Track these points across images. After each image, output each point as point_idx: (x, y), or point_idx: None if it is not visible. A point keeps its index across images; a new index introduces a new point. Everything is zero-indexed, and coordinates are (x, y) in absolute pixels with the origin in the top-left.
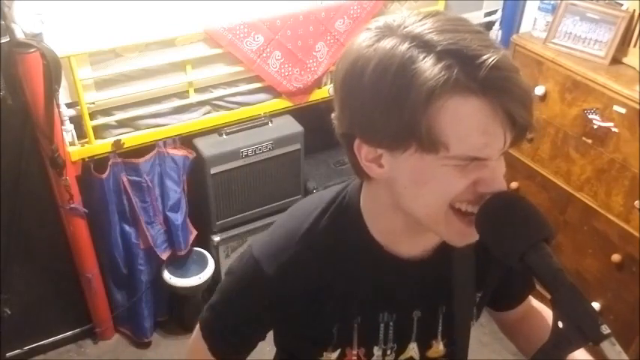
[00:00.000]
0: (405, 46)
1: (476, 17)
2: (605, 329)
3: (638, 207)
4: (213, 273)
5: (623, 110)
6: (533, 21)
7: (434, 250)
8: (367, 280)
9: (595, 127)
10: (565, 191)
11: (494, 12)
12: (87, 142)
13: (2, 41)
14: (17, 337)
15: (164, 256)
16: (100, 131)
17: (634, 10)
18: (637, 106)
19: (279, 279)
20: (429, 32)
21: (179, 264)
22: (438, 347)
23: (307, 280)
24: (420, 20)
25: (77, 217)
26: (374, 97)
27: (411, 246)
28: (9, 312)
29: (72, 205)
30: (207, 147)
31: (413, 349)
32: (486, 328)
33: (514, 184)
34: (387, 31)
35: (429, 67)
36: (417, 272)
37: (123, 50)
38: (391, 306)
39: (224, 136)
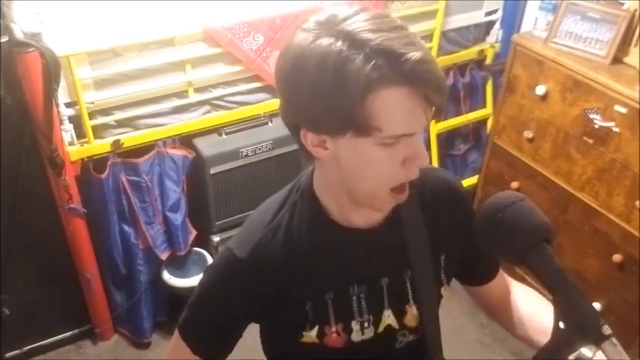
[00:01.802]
0: (339, 45)
1: (476, 17)
2: (606, 330)
3: (639, 207)
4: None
5: (624, 110)
6: (534, 20)
7: (385, 219)
8: (331, 255)
9: (596, 126)
10: (566, 191)
11: (494, 11)
12: (86, 142)
13: (1, 41)
14: (17, 338)
15: (163, 256)
16: (99, 131)
17: (635, 10)
18: (638, 106)
19: (251, 262)
20: (360, 31)
21: (179, 264)
22: (413, 312)
23: (277, 262)
24: (351, 18)
25: (76, 217)
26: (315, 93)
27: (364, 218)
28: (8, 312)
29: (71, 205)
30: (207, 147)
31: (389, 316)
32: (487, 328)
33: (515, 184)
34: (323, 29)
35: (361, 66)
36: (375, 241)
37: (122, 50)
38: (359, 277)
39: (224, 136)
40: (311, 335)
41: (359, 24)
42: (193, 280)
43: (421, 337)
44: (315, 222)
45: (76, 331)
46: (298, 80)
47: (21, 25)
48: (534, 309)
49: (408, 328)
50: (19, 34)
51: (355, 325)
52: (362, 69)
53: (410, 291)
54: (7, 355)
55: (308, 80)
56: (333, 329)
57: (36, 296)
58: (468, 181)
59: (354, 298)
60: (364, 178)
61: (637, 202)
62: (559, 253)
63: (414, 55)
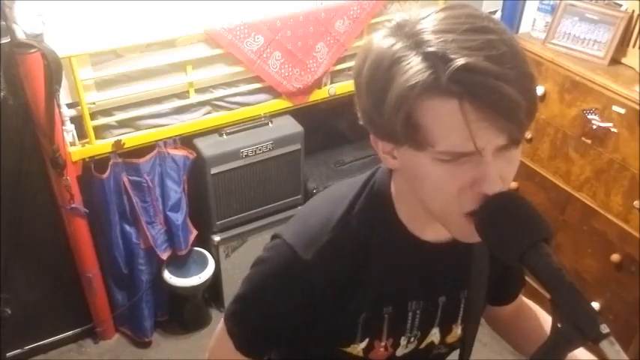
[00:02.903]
0: (399, 45)
1: None
2: (604, 329)
3: (637, 207)
4: (214, 273)
5: (622, 110)
6: (532, 21)
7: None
8: (398, 268)
9: (594, 127)
10: (564, 191)
11: (493, 12)
12: (87, 143)
13: (3, 42)
14: (17, 337)
15: (164, 256)
16: (100, 131)
17: (633, 11)
18: (636, 107)
19: (317, 265)
20: (424, 32)
21: (179, 264)
22: (457, 332)
23: (343, 266)
24: (426, 17)
25: (78, 217)
26: (368, 93)
27: (437, 232)
28: (9, 312)
29: (72, 205)
30: (208, 147)
31: (435, 334)
32: (486, 328)
33: (513, 184)
34: (395, 28)
35: (410, 67)
36: (443, 257)
37: (124, 51)
38: (420, 293)
39: (224, 136)
40: (357, 348)
41: (429, 22)
42: (194, 280)
43: (452, 350)
44: (388, 229)
45: (77, 330)
46: (359, 81)
47: (23, 26)
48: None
49: (446, 345)
50: (20, 35)
51: (404, 341)
52: (409, 71)
53: (461, 311)
54: (8, 354)
55: (364, 81)
56: (383, 344)
57: (37, 296)
58: None
59: (410, 314)
60: (431, 196)
61: (635, 202)
62: (557, 253)
63: (460, 61)
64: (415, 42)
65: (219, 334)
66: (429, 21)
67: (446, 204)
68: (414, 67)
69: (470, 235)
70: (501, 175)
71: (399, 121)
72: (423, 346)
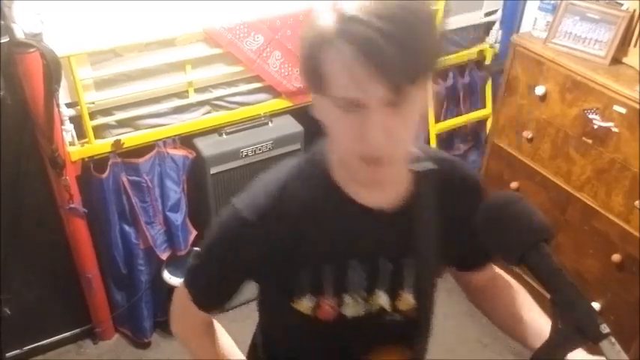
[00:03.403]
0: (327, 5)
1: (476, 17)
2: (605, 329)
3: (638, 207)
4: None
5: (623, 110)
6: (533, 21)
7: (400, 203)
8: (337, 228)
9: (595, 127)
10: (565, 191)
11: (494, 12)
12: (87, 142)
13: (2, 41)
14: (17, 337)
15: (164, 256)
16: (99, 131)
17: (634, 10)
18: (637, 106)
19: (259, 224)
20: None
21: (179, 264)
22: (408, 298)
23: (284, 227)
24: None
25: (77, 217)
26: (299, 46)
27: (375, 197)
28: (9, 312)
29: (72, 205)
30: (207, 147)
31: (381, 297)
32: (487, 328)
33: (514, 184)
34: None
35: (321, 22)
36: (383, 222)
37: (123, 50)
38: (360, 255)
39: (224, 136)
40: (302, 304)
41: None
42: None
43: (410, 320)
44: (326, 194)
45: (76, 330)
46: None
47: (22, 25)
48: (514, 304)
49: (399, 312)
50: (19, 35)
51: (348, 299)
52: (317, 26)
53: (408, 277)
54: (8, 354)
55: (300, 39)
56: (327, 300)
57: (36, 296)
58: None
59: (351, 273)
60: (336, 142)
61: (636, 202)
62: (558, 253)
63: (349, 11)
64: (338, 9)
65: (179, 292)
66: None
67: (346, 149)
68: (323, 22)
69: (375, 182)
70: (388, 130)
71: (311, 66)
72: (373, 309)
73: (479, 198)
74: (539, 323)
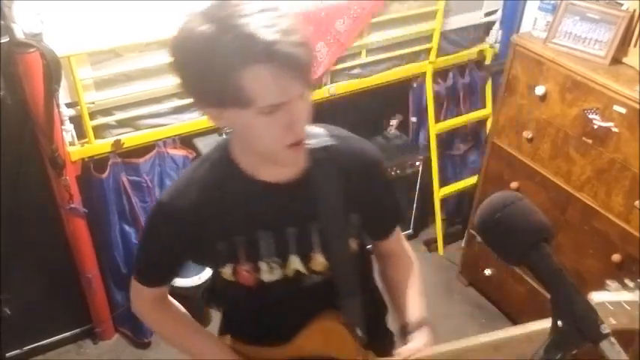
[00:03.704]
0: (213, 29)
1: (476, 17)
2: (605, 329)
3: (638, 207)
4: (213, 273)
5: (623, 110)
6: (533, 21)
7: (297, 177)
8: (241, 204)
9: (595, 127)
10: (565, 191)
11: (494, 12)
12: (87, 142)
13: (2, 41)
14: (17, 337)
15: None
16: (99, 131)
17: (634, 10)
18: (637, 106)
19: (173, 205)
20: (230, 16)
21: None
22: (319, 259)
23: (192, 206)
24: (228, 4)
25: (77, 217)
26: (195, 73)
27: (275, 174)
28: (9, 312)
29: (72, 205)
30: (207, 147)
31: (295, 261)
32: (487, 328)
33: (514, 184)
34: (206, 15)
35: (226, 48)
36: (284, 194)
37: (123, 50)
38: (267, 225)
39: (224, 136)
40: (227, 273)
41: (231, 9)
42: (194, 280)
43: (329, 279)
44: (228, 176)
45: (76, 330)
46: (183, 62)
47: (22, 25)
48: (401, 277)
49: (315, 273)
50: (19, 35)
51: (263, 266)
52: (227, 51)
53: (315, 240)
54: (8, 354)
55: (189, 62)
56: (244, 267)
57: (36, 296)
58: (468, 182)
59: (262, 242)
60: (258, 142)
61: (636, 202)
62: (558, 253)
63: (267, 37)
64: (227, 25)
65: (132, 284)
66: (231, 6)
67: (271, 144)
68: (231, 44)
69: (297, 160)
70: (303, 116)
71: (228, 86)
72: (290, 273)
73: (377, 171)
74: (414, 301)
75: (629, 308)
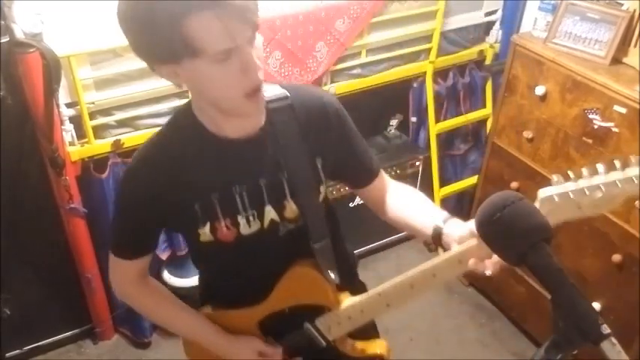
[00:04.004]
0: None
1: (476, 17)
2: (605, 329)
3: (638, 207)
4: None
5: (623, 110)
6: (533, 21)
7: (260, 130)
8: (211, 162)
9: (595, 127)
10: None
11: (494, 12)
12: (87, 142)
13: (2, 41)
14: (17, 337)
15: (164, 256)
16: (99, 131)
17: (634, 10)
18: (637, 106)
19: (141, 171)
20: None
21: (179, 264)
22: (291, 207)
23: (162, 169)
24: None
25: (77, 217)
26: (143, 30)
27: (238, 128)
28: (9, 312)
29: (72, 205)
30: None
31: (270, 212)
32: (486, 328)
33: (514, 184)
34: None
35: (169, 2)
36: (250, 148)
37: (122, 50)
38: (239, 179)
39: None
40: (205, 233)
41: None
42: (194, 280)
43: (301, 226)
44: (194, 135)
45: (76, 330)
46: (129, 19)
47: (21, 25)
48: (408, 199)
49: (288, 220)
50: (19, 35)
51: (241, 220)
52: (170, 4)
53: (287, 189)
54: (8, 354)
55: (135, 17)
56: (223, 224)
57: (36, 296)
58: (468, 181)
59: (237, 196)
60: (216, 92)
61: (636, 202)
62: (558, 253)
63: None
64: None
65: (110, 262)
66: None
67: (229, 93)
68: None
69: (257, 109)
70: (257, 56)
71: (175, 38)
72: (266, 225)
73: (337, 115)
74: (429, 209)
75: (573, 197)
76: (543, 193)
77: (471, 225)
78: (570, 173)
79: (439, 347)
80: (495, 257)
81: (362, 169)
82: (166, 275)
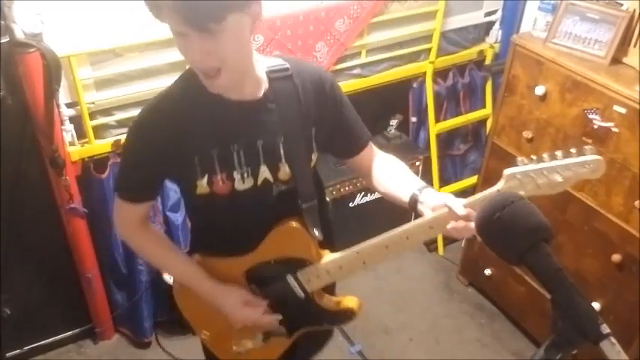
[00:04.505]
0: None
1: (476, 17)
2: (605, 329)
3: (638, 207)
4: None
5: (623, 110)
6: (533, 21)
7: (262, 95)
8: (214, 120)
9: (595, 127)
10: (565, 191)
11: (494, 12)
12: (87, 142)
13: (2, 41)
14: (17, 337)
15: None
16: (99, 131)
17: (634, 10)
18: (637, 106)
19: (148, 121)
20: None
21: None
22: (285, 169)
23: (167, 122)
24: None
25: (77, 217)
26: None
27: (238, 93)
28: (9, 312)
29: (72, 205)
30: None
31: (265, 171)
32: (487, 328)
33: None
34: None
35: None
36: (251, 110)
37: (123, 50)
38: (238, 139)
39: None
40: (203, 184)
41: None
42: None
43: (292, 188)
44: (200, 94)
45: (76, 330)
46: None
47: (22, 25)
48: (390, 168)
49: (281, 181)
50: (19, 35)
51: (236, 175)
52: None
53: (282, 152)
54: (8, 354)
55: None
56: (219, 177)
57: (36, 296)
58: (468, 181)
59: (234, 153)
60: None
61: (636, 202)
62: (558, 253)
63: None
64: None
65: (115, 204)
66: None
67: (194, 67)
68: None
69: (215, 89)
70: (207, 51)
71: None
72: (259, 183)
73: (332, 89)
74: (408, 178)
75: (534, 176)
76: (508, 171)
77: (445, 195)
78: (533, 157)
79: (439, 347)
80: (462, 223)
81: (353, 139)
82: (166, 275)
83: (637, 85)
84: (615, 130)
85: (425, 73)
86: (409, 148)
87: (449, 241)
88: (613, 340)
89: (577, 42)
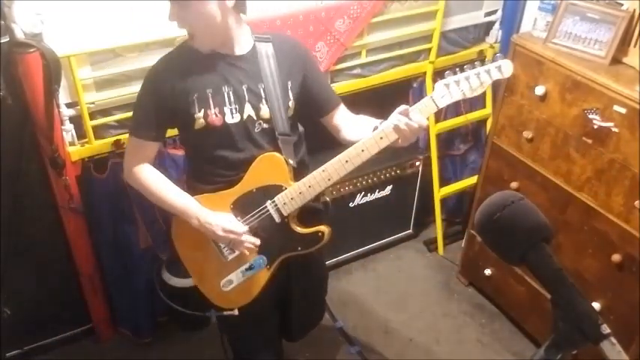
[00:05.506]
0: None
1: (476, 17)
2: (605, 329)
3: (638, 207)
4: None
5: (623, 110)
6: (533, 21)
7: (248, 51)
8: (210, 68)
9: (595, 127)
10: (565, 191)
11: (494, 12)
12: (87, 142)
13: (2, 41)
14: (17, 337)
15: (164, 256)
16: (99, 131)
17: (634, 10)
18: (637, 106)
19: (160, 68)
20: None
21: (179, 264)
22: (265, 109)
23: (175, 69)
24: None
25: (77, 217)
26: None
27: (227, 48)
28: (9, 312)
29: (72, 205)
30: None
31: (249, 109)
32: (486, 328)
33: (514, 184)
34: None
35: None
36: (239, 62)
37: (123, 50)
38: (228, 82)
39: None
40: (200, 117)
41: None
42: (193, 280)
43: (272, 127)
44: (197, 53)
45: (76, 330)
46: None
47: (22, 25)
48: (360, 119)
49: (262, 119)
50: (19, 35)
51: (227, 110)
52: None
53: (263, 96)
54: (8, 354)
55: None
56: (213, 111)
57: (36, 296)
58: (468, 182)
59: (225, 93)
60: None
61: (636, 202)
62: (558, 253)
63: None
64: None
65: (129, 144)
66: None
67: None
68: None
69: (196, 46)
70: (181, 17)
71: None
72: (245, 117)
73: (307, 56)
74: (374, 120)
75: (458, 84)
76: (439, 82)
77: (394, 115)
78: (457, 70)
79: (439, 347)
80: (407, 130)
81: (323, 97)
82: (166, 275)
83: (637, 85)
84: (615, 130)
85: (425, 73)
86: (409, 148)
87: (449, 241)
88: (613, 340)
89: (577, 42)
